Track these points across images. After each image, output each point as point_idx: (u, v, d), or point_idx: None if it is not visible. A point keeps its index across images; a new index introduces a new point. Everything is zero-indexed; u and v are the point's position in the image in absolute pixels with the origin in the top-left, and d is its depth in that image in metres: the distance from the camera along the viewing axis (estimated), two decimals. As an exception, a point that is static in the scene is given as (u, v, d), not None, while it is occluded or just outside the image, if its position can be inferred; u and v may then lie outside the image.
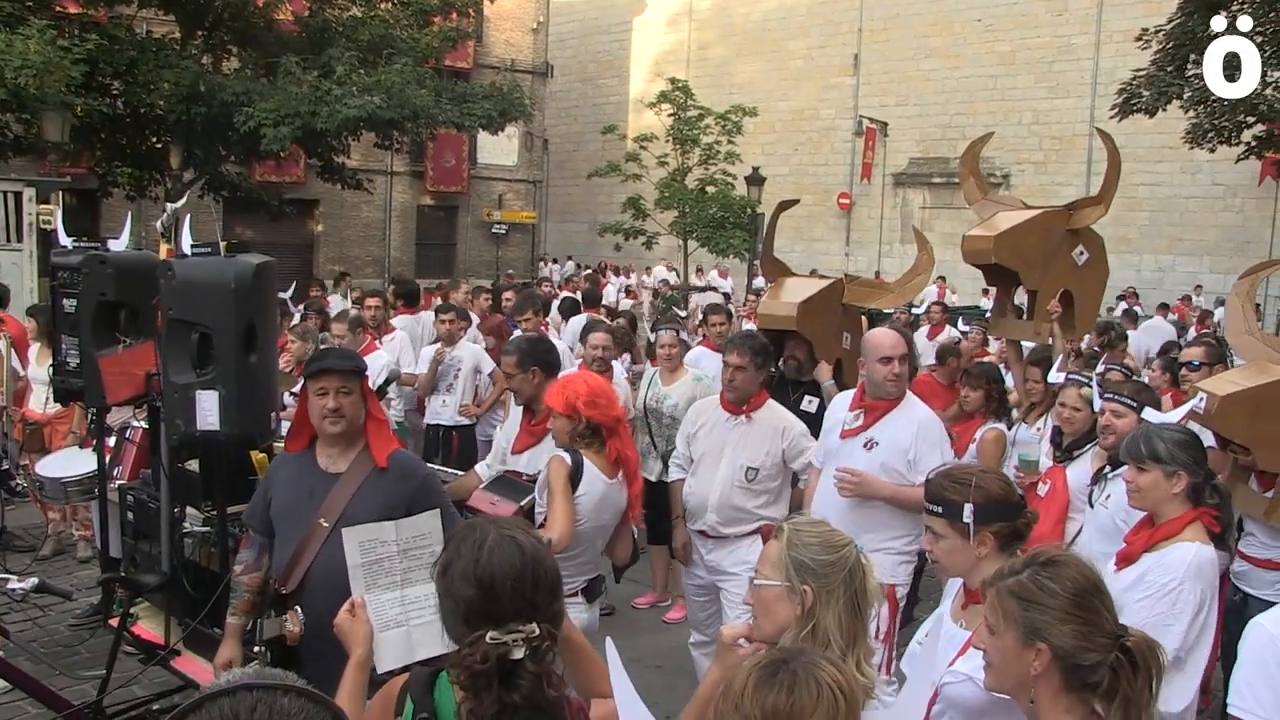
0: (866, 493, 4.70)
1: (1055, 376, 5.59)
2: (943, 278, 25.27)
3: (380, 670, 2.79)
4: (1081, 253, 6.42)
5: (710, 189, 25.54)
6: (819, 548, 2.44)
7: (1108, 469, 4.41)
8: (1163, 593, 3.16)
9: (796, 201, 9.73)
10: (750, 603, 2.51)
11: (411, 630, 2.94)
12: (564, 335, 10.06)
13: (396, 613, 2.94)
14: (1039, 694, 2.12)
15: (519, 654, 2.04)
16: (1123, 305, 22.50)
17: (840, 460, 4.88)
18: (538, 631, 2.07)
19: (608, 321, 9.51)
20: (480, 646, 2.05)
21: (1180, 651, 3.09)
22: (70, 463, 5.55)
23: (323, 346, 7.15)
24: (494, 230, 34.65)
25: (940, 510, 2.78)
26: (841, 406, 5.07)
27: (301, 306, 10.48)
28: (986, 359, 8.58)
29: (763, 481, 4.99)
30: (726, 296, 21.11)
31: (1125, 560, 3.36)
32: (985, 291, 15.77)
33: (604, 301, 15.24)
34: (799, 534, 2.48)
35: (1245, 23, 6.35)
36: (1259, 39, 14.22)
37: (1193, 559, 3.20)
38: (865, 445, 4.79)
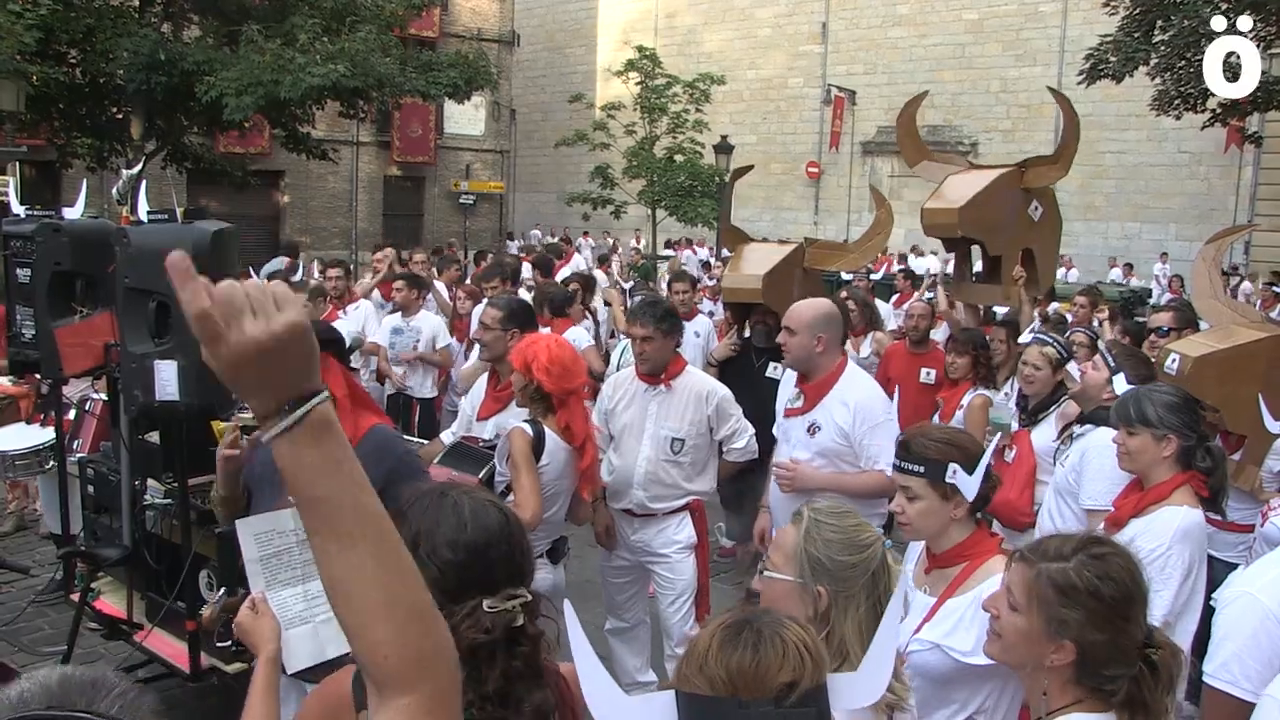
0: (804, 486, 4.47)
1: (1025, 338, 5.60)
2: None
3: (290, 670, 2.62)
4: (1036, 208, 6.43)
5: (678, 158, 25.51)
6: (840, 546, 2.21)
7: (1075, 428, 4.40)
8: (1150, 558, 3.12)
9: (751, 168, 9.58)
10: (758, 590, 2.35)
11: (318, 627, 2.75)
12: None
13: (301, 609, 2.76)
14: (1050, 679, 2.02)
15: (521, 620, 1.92)
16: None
17: (787, 438, 4.74)
18: (529, 596, 1.96)
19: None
20: (479, 616, 1.90)
21: (1169, 616, 3.06)
22: (16, 438, 5.47)
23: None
24: (462, 201, 34.39)
25: (921, 470, 2.70)
26: (789, 383, 4.89)
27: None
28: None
29: (689, 452, 4.73)
30: (707, 265, 21.07)
31: (1114, 525, 3.34)
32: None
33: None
34: (819, 526, 2.24)
35: (1245, 22, 6.34)
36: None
37: (1180, 523, 3.19)
38: (809, 430, 4.58)
